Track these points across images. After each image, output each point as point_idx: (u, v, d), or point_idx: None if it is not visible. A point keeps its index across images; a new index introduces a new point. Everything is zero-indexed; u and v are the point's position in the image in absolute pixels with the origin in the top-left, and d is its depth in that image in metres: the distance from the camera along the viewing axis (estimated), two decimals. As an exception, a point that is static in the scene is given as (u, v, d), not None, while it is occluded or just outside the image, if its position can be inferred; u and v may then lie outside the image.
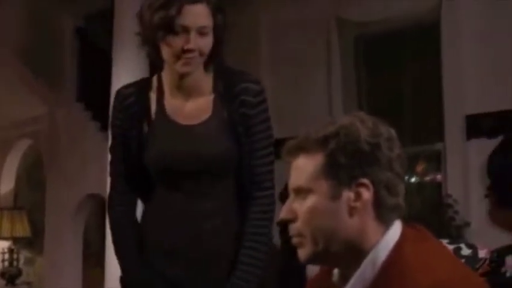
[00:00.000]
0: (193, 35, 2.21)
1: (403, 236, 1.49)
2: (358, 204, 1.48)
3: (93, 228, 9.13)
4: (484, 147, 6.70)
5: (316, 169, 1.51)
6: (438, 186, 7.21)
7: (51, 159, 9.02)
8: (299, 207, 1.53)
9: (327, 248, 1.50)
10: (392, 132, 1.54)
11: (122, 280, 2.43)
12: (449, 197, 6.75)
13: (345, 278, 1.53)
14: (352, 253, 1.50)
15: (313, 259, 1.54)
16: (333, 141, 1.50)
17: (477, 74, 6.84)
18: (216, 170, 2.27)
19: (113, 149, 2.40)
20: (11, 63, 8.80)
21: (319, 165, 1.51)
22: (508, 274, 1.76)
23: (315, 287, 1.68)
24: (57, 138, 8.93)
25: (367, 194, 1.47)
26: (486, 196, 6.66)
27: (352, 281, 1.50)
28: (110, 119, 2.46)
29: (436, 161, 7.25)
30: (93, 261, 8.68)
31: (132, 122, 2.33)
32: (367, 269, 1.48)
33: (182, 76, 2.29)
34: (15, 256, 9.53)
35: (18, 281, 9.38)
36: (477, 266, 1.79)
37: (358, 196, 1.48)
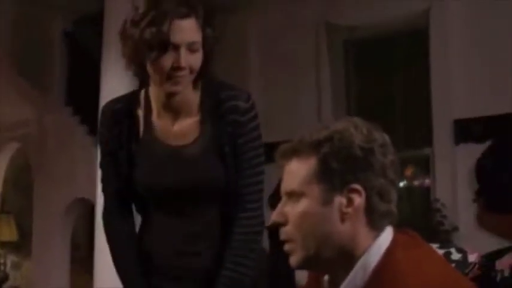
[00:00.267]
0: (183, 52, 2.11)
1: (394, 241, 1.49)
2: (349, 210, 1.47)
3: (81, 232, 9.10)
4: (473, 151, 6.67)
5: (308, 173, 1.51)
6: (427, 190, 7.23)
7: (39, 163, 8.98)
8: (291, 210, 1.53)
9: (317, 253, 1.50)
10: (387, 138, 1.53)
11: None
12: (437, 202, 6.77)
13: (335, 284, 1.52)
14: (343, 259, 1.49)
15: (304, 264, 1.53)
16: (326, 146, 1.50)
17: (465, 79, 6.86)
18: (204, 191, 2.21)
19: (103, 166, 2.33)
20: (-1, 66, 8.79)
21: (312, 170, 1.50)
22: (498, 278, 1.76)
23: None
24: (46, 142, 8.89)
25: (359, 200, 1.47)
26: (474, 201, 6.66)
27: (343, 286, 1.49)
28: (99, 136, 2.36)
29: (425, 165, 7.27)
30: (81, 266, 8.65)
31: (121, 140, 2.26)
32: (358, 274, 1.47)
33: (170, 95, 2.19)
34: (2, 260, 9.48)
35: (5, 286, 9.33)
36: (467, 271, 1.79)
37: (350, 202, 1.47)
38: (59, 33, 9.06)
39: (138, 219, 2.43)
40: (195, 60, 2.15)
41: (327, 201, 1.49)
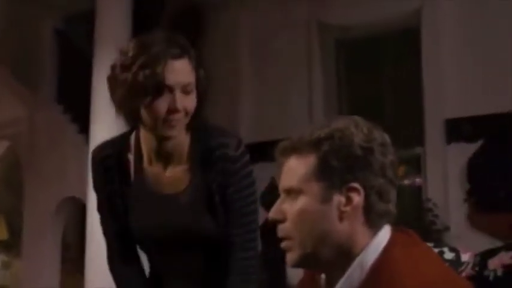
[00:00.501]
0: (178, 94, 2.03)
1: (392, 240, 1.48)
2: (348, 208, 1.46)
3: (71, 232, 9.07)
4: (464, 151, 6.74)
5: (308, 171, 1.49)
6: (418, 190, 7.24)
7: (29, 161, 8.95)
8: (289, 208, 1.52)
9: (315, 251, 1.49)
10: (387, 137, 1.52)
11: None
12: (429, 201, 6.78)
13: (331, 283, 1.51)
14: (341, 257, 1.48)
15: (301, 263, 1.52)
16: (327, 144, 1.48)
17: (457, 79, 6.87)
18: (194, 240, 2.19)
19: (100, 210, 2.29)
20: (-11, 64, 8.75)
21: (311, 167, 1.49)
22: (491, 278, 1.76)
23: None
24: (36, 140, 8.86)
25: (357, 199, 1.46)
26: (466, 200, 6.69)
27: (340, 283, 1.48)
28: (92, 182, 2.30)
29: (416, 165, 7.28)
30: (72, 265, 8.62)
31: (113, 186, 2.22)
32: (355, 272, 1.47)
33: (164, 139, 2.12)
34: (-9, 259, 9.46)
35: (-6, 285, 9.32)
36: (460, 270, 1.79)
37: (349, 201, 1.46)
38: (50, 31, 9.03)
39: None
40: (190, 102, 2.07)
41: (325, 200, 1.48)
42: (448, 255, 1.83)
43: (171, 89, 2.03)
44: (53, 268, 8.72)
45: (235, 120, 7.85)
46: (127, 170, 2.21)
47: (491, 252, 1.79)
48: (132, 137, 2.23)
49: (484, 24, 6.81)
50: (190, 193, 2.16)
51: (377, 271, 1.44)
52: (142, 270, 2.33)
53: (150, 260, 2.32)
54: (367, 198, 1.47)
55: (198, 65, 2.10)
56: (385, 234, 1.50)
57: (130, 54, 2.05)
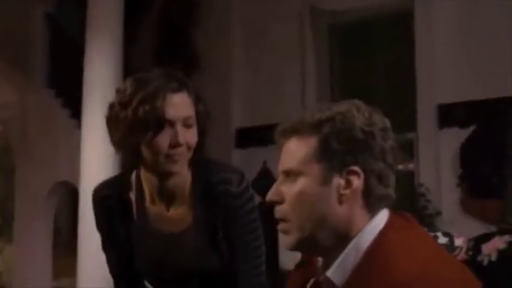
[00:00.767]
0: (179, 127, 2.00)
1: (389, 223, 1.48)
2: (347, 191, 1.46)
3: (63, 216, 9.06)
4: (456, 136, 6.75)
5: (308, 152, 1.49)
6: (410, 175, 7.25)
7: (21, 146, 8.92)
8: (288, 190, 1.51)
9: (313, 235, 1.48)
10: (387, 122, 1.52)
11: None
12: (421, 186, 6.80)
13: (329, 267, 1.50)
14: (338, 241, 1.48)
15: (298, 246, 1.52)
16: (328, 126, 1.48)
17: (450, 64, 6.87)
18: (199, 278, 2.18)
19: (105, 248, 2.29)
20: (-20, 48, 8.69)
21: (312, 149, 1.49)
22: (485, 263, 1.76)
23: (297, 275, 1.66)
24: (27, 125, 8.83)
25: (357, 182, 1.45)
26: (458, 185, 6.71)
27: (335, 265, 1.48)
28: (95, 222, 2.27)
29: (409, 150, 7.28)
30: (64, 250, 8.62)
31: (115, 226, 2.20)
32: (351, 254, 1.46)
33: (164, 178, 2.10)
34: (-17, 244, 9.45)
35: (-14, 270, 9.31)
36: (454, 254, 1.79)
37: (348, 183, 1.46)
38: (41, 15, 8.97)
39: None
40: (192, 136, 2.05)
41: (325, 182, 1.47)
42: (442, 239, 1.83)
43: (172, 123, 2.00)
44: (45, 253, 8.71)
45: (227, 106, 7.83)
46: (129, 209, 2.19)
47: (485, 237, 1.79)
48: (133, 177, 2.19)
49: (478, 9, 6.80)
50: (194, 231, 2.14)
51: (372, 254, 1.44)
52: None
53: None
54: (366, 181, 1.46)
55: (198, 99, 2.07)
56: (382, 217, 1.49)
57: (129, 91, 2.02)
